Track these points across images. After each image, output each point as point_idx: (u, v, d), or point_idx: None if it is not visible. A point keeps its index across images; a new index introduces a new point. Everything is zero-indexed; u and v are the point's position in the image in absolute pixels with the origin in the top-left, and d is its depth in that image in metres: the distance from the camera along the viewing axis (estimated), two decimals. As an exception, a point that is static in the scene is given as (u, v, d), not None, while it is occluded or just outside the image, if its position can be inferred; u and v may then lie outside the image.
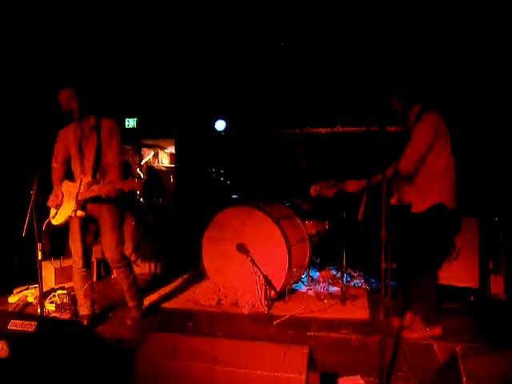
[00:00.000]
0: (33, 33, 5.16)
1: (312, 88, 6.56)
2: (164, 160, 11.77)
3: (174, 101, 7.57)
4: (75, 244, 3.69)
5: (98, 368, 2.34)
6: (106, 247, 3.68)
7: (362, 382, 2.69)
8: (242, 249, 4.33)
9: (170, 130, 8.36)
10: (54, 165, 3.76)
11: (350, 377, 2.75)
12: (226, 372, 2.03)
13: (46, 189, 3.65)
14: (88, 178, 3.53)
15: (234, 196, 7.03)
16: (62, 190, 3.66)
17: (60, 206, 3.62)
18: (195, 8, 5.25)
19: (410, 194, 3.52)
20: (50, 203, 3.65)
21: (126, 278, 3.80)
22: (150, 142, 10.87)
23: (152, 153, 11.29)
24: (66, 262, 5.01)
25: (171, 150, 11.00)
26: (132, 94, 7.39)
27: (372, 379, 2.69)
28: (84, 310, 3.81)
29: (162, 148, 11.53)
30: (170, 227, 6.27)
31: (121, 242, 3.73)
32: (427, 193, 3.39)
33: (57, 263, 4.94)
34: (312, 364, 2.05)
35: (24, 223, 3.22)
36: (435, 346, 3.23)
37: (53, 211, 3.66)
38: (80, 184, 3.54)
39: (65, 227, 3.70)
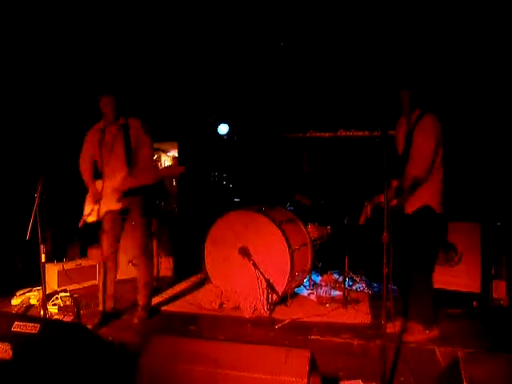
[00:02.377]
0: (37, 37, 5.18)
1: (315, 92, 6.57)
2: (167, 163, 11.78)
3: (176, 104, 7.59)
4: (108, 238, 3.93)
5: (101, 371, 2.35)
6: (133, 243, 3.99)
7: (364, 386, 2.69)
8: (245, 252, 4.34)
9: (173, 134, 8.37)
10: (83, 166, 4.01)
11: (352, 381, 2.75)
12: (228, 375, 2.04)
13: (48, 192, 3.67)
14: (123, 173, 3.77)
15: (236, 199, 7.04)
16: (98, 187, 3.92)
17: (99, 201, 3.87)
18: (197, 11, 5.27)
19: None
20: (90, 200, 3.89)
21: (145, 275, 4.03)
22: (152, 145, 10.88)
23: (155, 156, 11.30)
24: (69, 265, 5.04)
25: (174, 153, 11.01)
26: (134, 97, 7.41)
27: (373, 383, 2.69)
28: (104, 305, 3.99)
29: (165, 151, 11.54)
30: (172, 231, 6.28)
31: (148, 239, 4.06)
32: (417, 195, 3.44)
33: (59, 265, 4.96)
34: (313, 368, 2.06)
35: (26, 225, 3.25)
36: (437, 351, 3.23)
37: (87, 209, 3.89)
38: (114, 179, 3.79)
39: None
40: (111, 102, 3.83)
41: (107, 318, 3.96)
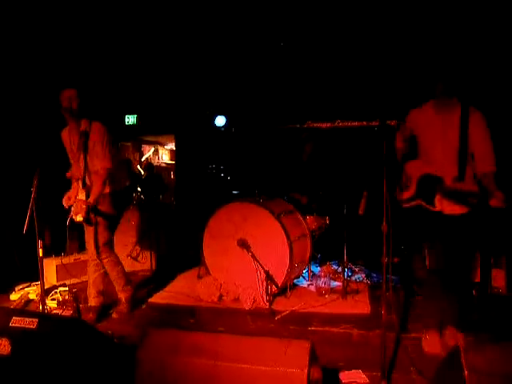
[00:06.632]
0: (33, 32, 5.14)
1: (312, 83, 6.53)
2: (164, 156, 11.76)
3: (174, 97, 7.55)
4: (88, 235, 3.80)
5: (99, 365, 2.34)
6: (97, 243, 3.79)
7: (364, 376, 2.70)
8: (243, 244, 4.33)
9: (170, 127, 8.35)
10: (71, 161, 3.86)
11: (352, 371, 2.75)
12: (229, 367, 2.04)
13: (46, 186, 3.65)
14: (79, 185, 3.64)
15: (234, 192, 7.02)
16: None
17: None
18: (195, 5, 5.23)
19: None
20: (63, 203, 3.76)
21: (114, 266, 3.91)
22: (150, 138, 10.86)
23: (152, 149, 11.28)
24: (67, 259, 5.02)
25: (171, 146, 11.00)
26: (132, 90, 7.37)
27: (373, 373, 2.69)
28: (91, 301, 3.91)
29: (162, 144, 11.53)
30: (170, 223, 6.26)
31: (109, 239, 3.86)
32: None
33: (58, 260, 4.94)
34: (314, 359, 2.05)
35: (24, 220, 3.23)
36: (437, 340, 3.22)
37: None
38: (76, 189, 3.68)
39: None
40: (75, 96, 3.60)
41: (104, 312, 3.95)
